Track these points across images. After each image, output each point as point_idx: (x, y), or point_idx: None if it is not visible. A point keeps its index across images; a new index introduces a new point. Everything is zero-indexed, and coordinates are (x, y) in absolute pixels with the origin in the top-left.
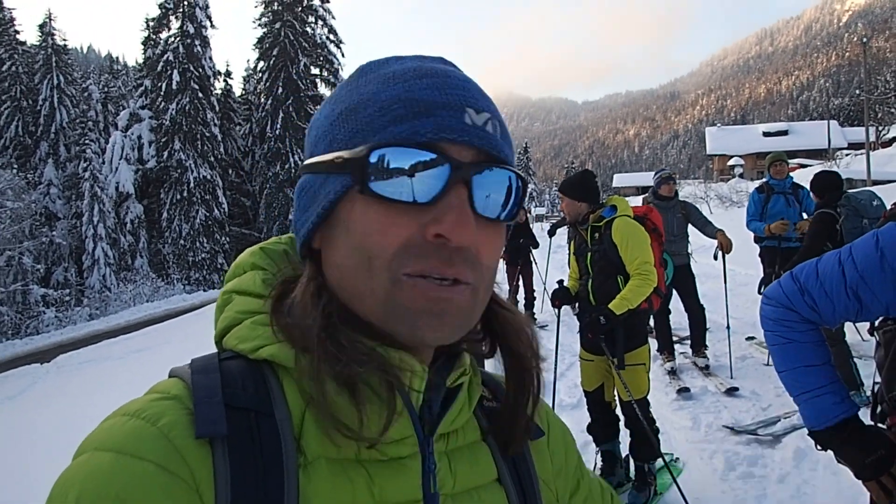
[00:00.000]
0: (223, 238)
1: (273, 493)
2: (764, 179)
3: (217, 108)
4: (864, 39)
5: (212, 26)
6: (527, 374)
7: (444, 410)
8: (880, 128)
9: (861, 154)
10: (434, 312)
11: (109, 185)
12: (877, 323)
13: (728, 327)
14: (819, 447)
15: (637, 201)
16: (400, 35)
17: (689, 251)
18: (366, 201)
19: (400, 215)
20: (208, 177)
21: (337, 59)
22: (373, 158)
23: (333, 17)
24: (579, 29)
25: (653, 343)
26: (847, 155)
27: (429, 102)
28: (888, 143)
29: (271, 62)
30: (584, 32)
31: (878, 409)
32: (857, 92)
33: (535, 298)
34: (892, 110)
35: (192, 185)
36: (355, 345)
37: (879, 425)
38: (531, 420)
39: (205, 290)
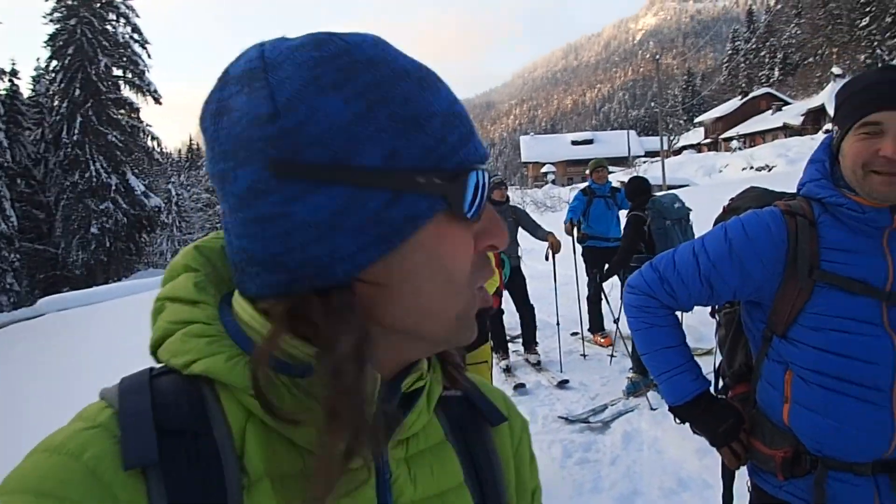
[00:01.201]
0: (12, 255)
1: None
2: (587, 183)
3: (2, 111)
4: (657, 57)
5: None
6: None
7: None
8: (671, 137)
9: (656, 161)
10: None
11: None
12: (717, 306)
13: (558, 324)
14: (677, 420)
15: None
16: (210, 43)
17: (520, 254)
18: (447, 222)
19: (465, 233)
20: None
21: (142, 60)
22: (470, 181)
23: (138, 16)
24: (399, 43)
25: None
26: (644, 162)
27: (464, 117)
28: (678, 152)
29: (66, 62)
30: (403, 46)
31: (721, 383)
32: (652, 104)
33: None
34: (681, 122)
35: None
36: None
37: (721, 397)
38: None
39: None
